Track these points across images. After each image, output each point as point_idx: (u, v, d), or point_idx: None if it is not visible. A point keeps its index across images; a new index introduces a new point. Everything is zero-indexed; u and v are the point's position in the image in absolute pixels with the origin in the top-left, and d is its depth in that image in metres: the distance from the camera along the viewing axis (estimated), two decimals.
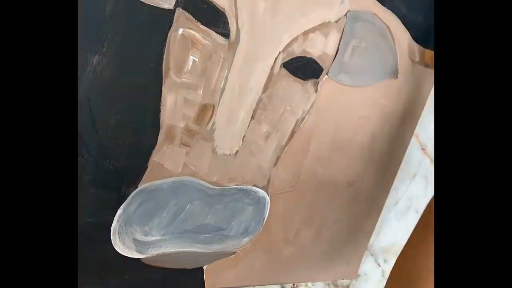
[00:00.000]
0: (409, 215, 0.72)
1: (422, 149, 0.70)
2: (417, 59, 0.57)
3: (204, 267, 0.45)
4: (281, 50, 0.41)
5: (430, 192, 0.74)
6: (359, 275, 0.67)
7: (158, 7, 0.33)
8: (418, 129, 0.65)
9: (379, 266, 0.69)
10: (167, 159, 0.37)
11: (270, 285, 0.55)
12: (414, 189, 0.71)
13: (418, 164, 0.70)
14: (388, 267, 0.71)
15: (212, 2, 0.35)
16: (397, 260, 0.48)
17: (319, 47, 0.44)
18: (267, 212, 0.47)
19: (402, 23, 0.54)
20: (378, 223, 0.66)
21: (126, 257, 0.38)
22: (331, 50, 0.46)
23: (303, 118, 0.47)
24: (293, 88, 0.44)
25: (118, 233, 0.37)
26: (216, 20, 0.36)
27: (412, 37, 0.56)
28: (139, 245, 0.38)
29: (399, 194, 0.69)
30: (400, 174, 0.66)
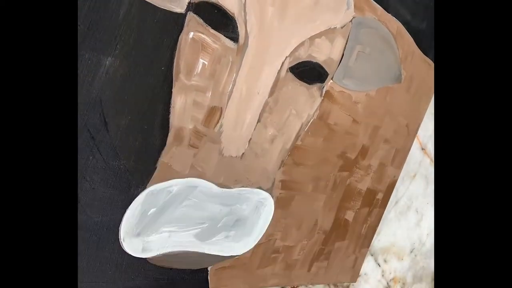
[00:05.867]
0: (409, 215, 0.73)
1: (422, 149, 0.70)
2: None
3: (209, 268, 0.46)
4: (288, 55, 0.42)
5: (430, 192, 0.75)
6: (359, 275, 0.67)
7: (169, 11, 0.34)
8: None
9: (379, 266, 0.70)
10: (175, 160, 0.38)
11: (271, 287, 0.55)
12: (414, 189, 0.72)
13: (418, 164, 0.71)
14: (388, 267, 0.71)
15: (222, 7, 0.36)
16: None
17: (325, 52, 0.45)
18: (272, 214, 0.48)
19: (406, 29, 0.54)
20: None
21: (133, 256, 0.38)
22: (336, 55, 0.47)
23: (308, 122, 0.48)
24: (299, 92, 0.45)
25: (126, 232, 0.37)
26: (225, 25, 0.37)
27: (416, 43, 0.57)
28: (146, 245, 0.39)
29: (399, 194, 0.70)
30: (400, 174, 0.66)
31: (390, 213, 0.69)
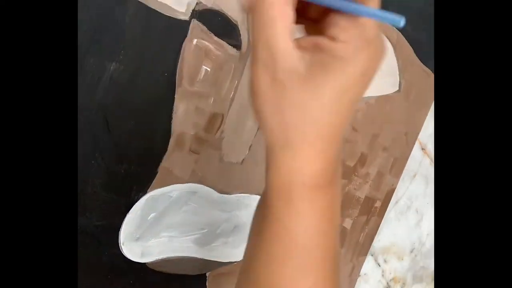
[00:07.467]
0: (409, 215, 0.73)
1: (422, 149, 0.70)
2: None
3: (207, 274, 0.46)
4: None
5: (430, 192, 0.75)
6: (359, 275, 0.67)
7: (174, 18, 0.34)
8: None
9: (379, 266, 0.70)
10: (176, 166, 0.38)
11: None
12: (414, 189, 0.72)
13: (418, 164, 0.71)
14: (388, 267, 0.71)
15: (225, 15, 0.36)
16: None
17: None
18: None
19: (405, 39, 0.55)
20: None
21: (132, 261, 0.38)
22: None
23: None
24: None
25: (126, 237, 0.37)
26: (229, 32, 0.37)
27: (415, 52, 0.57)
28: (145, 249, 0.39)
29: (399, 194, 0.69)
30: (398, 182, 0.67)
31: (390, 213, 0.69)
